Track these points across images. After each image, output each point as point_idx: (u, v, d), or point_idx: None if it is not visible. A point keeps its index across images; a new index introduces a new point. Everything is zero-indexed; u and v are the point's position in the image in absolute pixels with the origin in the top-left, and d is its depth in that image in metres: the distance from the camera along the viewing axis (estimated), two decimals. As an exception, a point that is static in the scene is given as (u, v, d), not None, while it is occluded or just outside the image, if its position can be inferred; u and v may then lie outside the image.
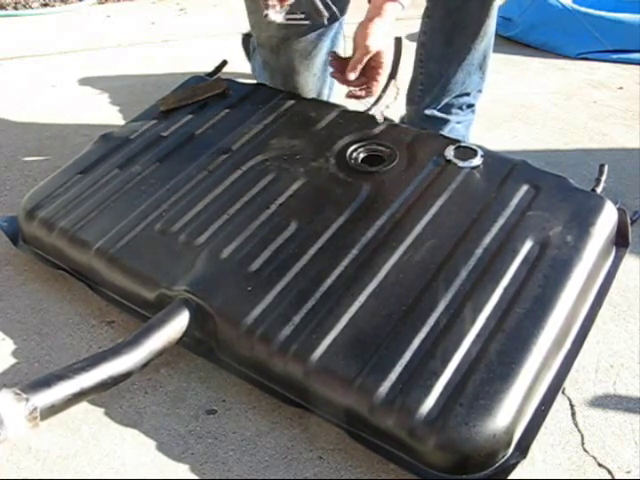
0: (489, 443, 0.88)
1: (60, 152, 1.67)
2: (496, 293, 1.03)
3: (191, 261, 1.12)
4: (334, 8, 1.47)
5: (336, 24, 1.54)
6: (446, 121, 1.61)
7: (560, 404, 1.05)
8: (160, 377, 1.08)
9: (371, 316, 1.01)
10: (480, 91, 1.62)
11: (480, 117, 1.69)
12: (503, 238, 1.12)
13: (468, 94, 1.60)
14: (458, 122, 1.63)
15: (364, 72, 1.25)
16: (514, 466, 0.90)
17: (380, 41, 1.24)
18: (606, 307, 1.18)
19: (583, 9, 2.40)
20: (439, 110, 1.60)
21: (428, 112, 1.59)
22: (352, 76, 1.24)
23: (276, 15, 1.27)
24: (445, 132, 1.57)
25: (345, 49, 1.62)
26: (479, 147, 1.29)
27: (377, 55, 1.24)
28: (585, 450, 0.99)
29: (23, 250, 1.29)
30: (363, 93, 1.28)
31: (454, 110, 1.61)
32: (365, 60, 1.23)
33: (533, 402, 0.96)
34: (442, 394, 0.91)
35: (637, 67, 2.33)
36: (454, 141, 1.32)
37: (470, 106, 1.63)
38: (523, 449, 0.92)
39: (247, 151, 1.33)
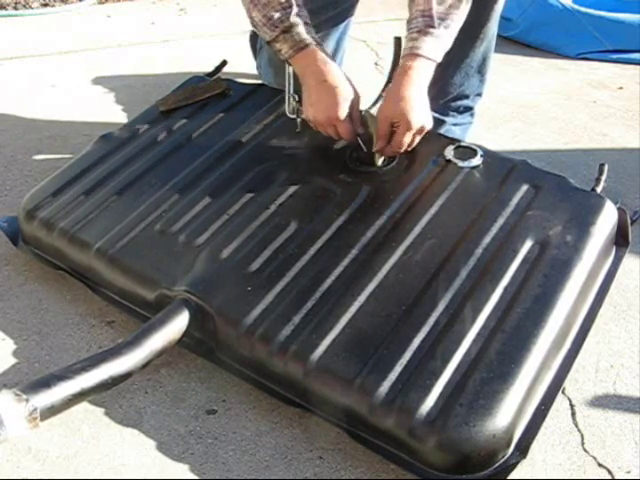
0: (489, 443, 0.89)
1: (60, 152, 1.67)
2: (496, 293, 1.03)
3: (191, 261, 1.12)
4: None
5: (342, 25, 1.53)
6: (442, 122, 1.60)
7: (560, 404, 1.05)
8: (160, 377, 1.08)
9: (371, 316, 1.01)
10: (479, 95, 1.62)
11: (480, 117, 1.69)
12: (503, 238, 1.12)
13: (467, 97, 1.60)
14: (455, 124, 1.62)
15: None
16: (514, 466, 0.90)
17: (424, 116, 1.23)
18: (606, 307, 1.19)
19: (583, 9, 2.40)
20: (435, 111, 1.59)
21: None
22: (381, 146, 1.24)
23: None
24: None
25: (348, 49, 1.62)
26: (479, 147, 1.29)
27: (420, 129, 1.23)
28: (585, 450, 0.99)
29: (23, 250, 1.29)
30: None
31: (451, 112, 1.61)
32: (408, 139, 1.22)
33: (533, 402, 0.96)
34: (442, 394, 0.91)
35: (637, 67, 2.34)
36: (454, 141, 1.32)
37: (468, 109, 1.63)
38: (523, 449, 0.92)
39: (247, 151, 1.33)
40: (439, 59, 1.24)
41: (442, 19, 1.22)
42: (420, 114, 1.22)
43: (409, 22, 1.25)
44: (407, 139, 1.22)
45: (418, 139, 1.25)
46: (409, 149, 1.25)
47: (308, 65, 1.22)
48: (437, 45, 1.22)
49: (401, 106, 1.19)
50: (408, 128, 1.20)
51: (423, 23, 1.22)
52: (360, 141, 1.27)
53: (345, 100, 1.20)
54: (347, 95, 1.21)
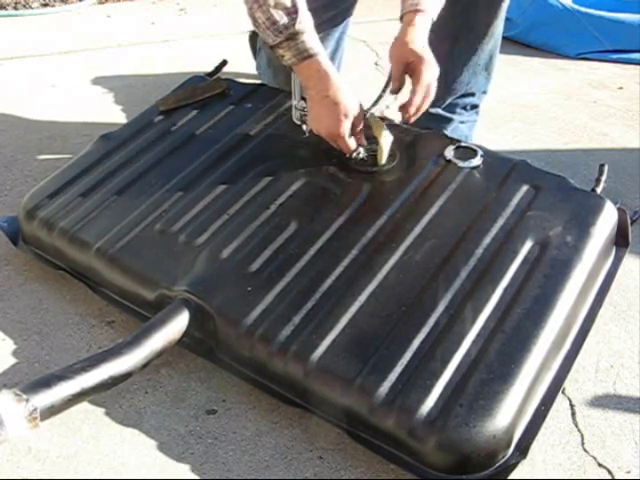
0: (489, 443, 0.88)
1: (60, 152, 1.67)
2: (496, 293, 1.03)
3: (191, 261, 1.12)
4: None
5: (341, 25, 1.53)
6: (450, 120, 1.61)
7: (560, 404, 1.05)
8: (160, 377, 1.08)
9: (371, 316, 1.01)
10: (485, 92, 1.63)
11: (480, 117, 1.69)
12: (503, 238, 1.12)
13: (473, 94, 1.61)
14: (462, 122, 1.63)
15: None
16: (514, 466, 0.90)
17: (421, 43, 1.26)
18: (606, 307, 1.18)
19: (583, 9, 2.40)
20: (443, 109, 1.60)
21: (432, 110, 1.59)
22: (396, 87, 1.27)
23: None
24: (448, 131, 1.58)
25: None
26: (479, 147, 1.29)
27: (417, 64, 1.25)
28: (585, 450, 0.99)
29: (23, 250, 1.29)
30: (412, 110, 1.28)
31: (458, 110, 1.62)
32: (429, 76, 1.25)
33: (533, 402, 0.96)
34: (442, 394, 0.91)
35: (637, 67, 2.34)
36: (454, 141, 1.32)
37: (474, 107, 1.64)
38: (523, 449, 0.92)
39: (247, 151, 1.33)
40: (436, 16, 1.29)
41: None
42: (431, 54, 1.26)
43: None
44: (428, 75, 1.24)
45: (435, 86, 1.27)
46: (431, 95, 1.27)
47: (311, 76, 1.21)
48: (437, 3, 1.29)
49: (413, 46, 1.24)
50: (428, 64, 1.24)
51: None
52: (363, 153, 1.27)
53: (346, 117, 1.21)
54: (348, 112, 1.21)
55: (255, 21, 1.20)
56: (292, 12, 1.17)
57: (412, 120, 1.27)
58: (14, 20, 2.60)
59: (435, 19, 1.29)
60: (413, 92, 1.24)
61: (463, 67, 1.55)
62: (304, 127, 1.32)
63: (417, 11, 1.26)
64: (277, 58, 1.24)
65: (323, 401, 0.97)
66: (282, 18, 1.16)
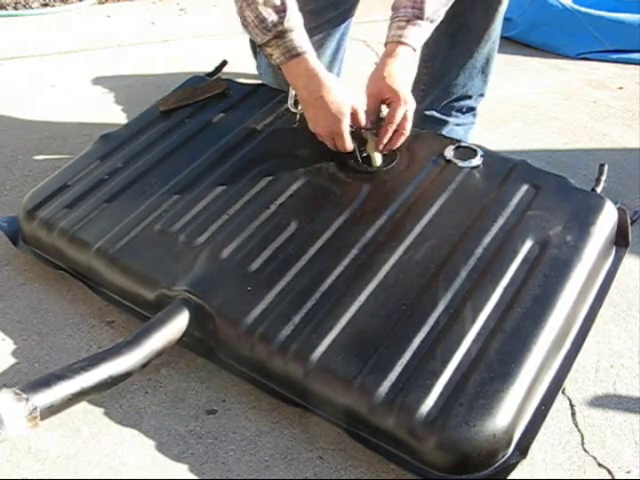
0: (489, 443, 0.88)
1: (60, 152, 1.68)
2: (496, 293, 1.03)
3: (191, 261, 1.12)
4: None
5: (342, 25, 1.53)
6: (445, 122, 1.61)
7: (560, 404, 1.05)
8: (160, 377, 1.08)
9: (371, 316, 1.01)
10: (482, 95, 1.62)
11: (480, 117, 1.69)
12: (503, 238, 1.12)
13: (470, 97, 1.60)
14: (457, 124, 1.63)
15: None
16: (514, 466, 0.90)
17: (410, 94, 1.23)
18: (606, 307, 1.18)
19: (583, 9, 2.41)
20: (439, 111, 1.60)
21: (428, 112, 1.60)
22: (365, 123, 1.26)
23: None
24: (444, 133, 1.57)
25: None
26: (479, 147, 1.29)
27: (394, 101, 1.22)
28: (585, 450, 0.99)
29: (23, 250, 1.29)
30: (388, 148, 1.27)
31: (454, 112, 1.61)
32: (401, 114, 1.22)
33: (533, 402, 0.96)
34: (442, 394, 0.91)
35: (637, 67, 2.34)
36: (454, 141, 1.32)
37: (471, 109, 1.63)
38: (523, 449, 0.92)
39: (247, 151, 1.33)
40: (419, 48, 1.28)
41: (430, 14, 1.25)
42: (408, 90, 1.24)
43: (396, 9, 1.26)
44: (401, 113, 1.22)
45: (410, 123, 1.25)
46: (404, 132, 1.25)
47: (300, 75, 1.20)
48: (421, 36, 1.26)
49: (390, 81, 1.21)
50: (401, 101, 1.21)
51: (412, 14, 1.24)
52: (357, 152, 1.27)
53: (344, 115, 1.21)
54: (346, 109, 1.21)
55: (244, 20, 1.19)
56: (281, 10, 1.16)
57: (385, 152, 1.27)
58: (14, 20, 2.60)
59: (418, 50, 1.27)
60: (384, 130, 1.23)
61: (459, 70, 1.54)
62: (297, 114, 1.32)
63: (399, 43, 1.24)
64: (266, 57, 1.23)
65: (323, 401, 0.97)
66: (271, 15, 1.16)
